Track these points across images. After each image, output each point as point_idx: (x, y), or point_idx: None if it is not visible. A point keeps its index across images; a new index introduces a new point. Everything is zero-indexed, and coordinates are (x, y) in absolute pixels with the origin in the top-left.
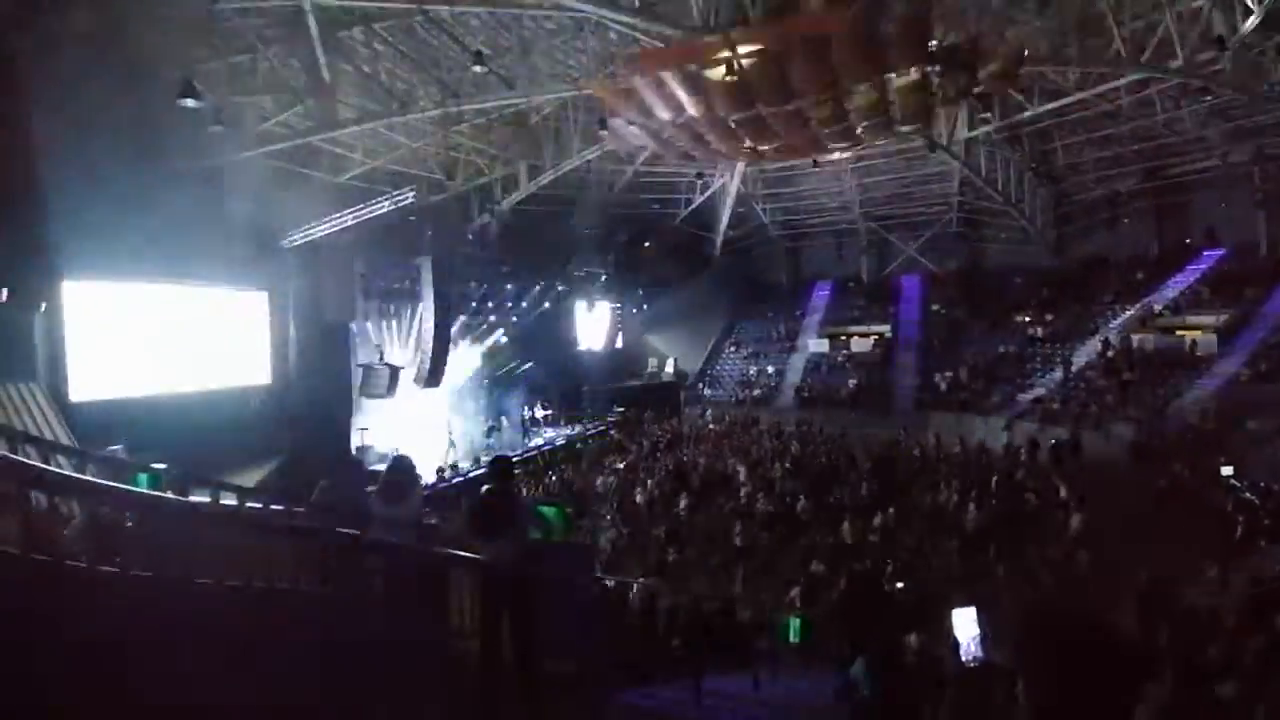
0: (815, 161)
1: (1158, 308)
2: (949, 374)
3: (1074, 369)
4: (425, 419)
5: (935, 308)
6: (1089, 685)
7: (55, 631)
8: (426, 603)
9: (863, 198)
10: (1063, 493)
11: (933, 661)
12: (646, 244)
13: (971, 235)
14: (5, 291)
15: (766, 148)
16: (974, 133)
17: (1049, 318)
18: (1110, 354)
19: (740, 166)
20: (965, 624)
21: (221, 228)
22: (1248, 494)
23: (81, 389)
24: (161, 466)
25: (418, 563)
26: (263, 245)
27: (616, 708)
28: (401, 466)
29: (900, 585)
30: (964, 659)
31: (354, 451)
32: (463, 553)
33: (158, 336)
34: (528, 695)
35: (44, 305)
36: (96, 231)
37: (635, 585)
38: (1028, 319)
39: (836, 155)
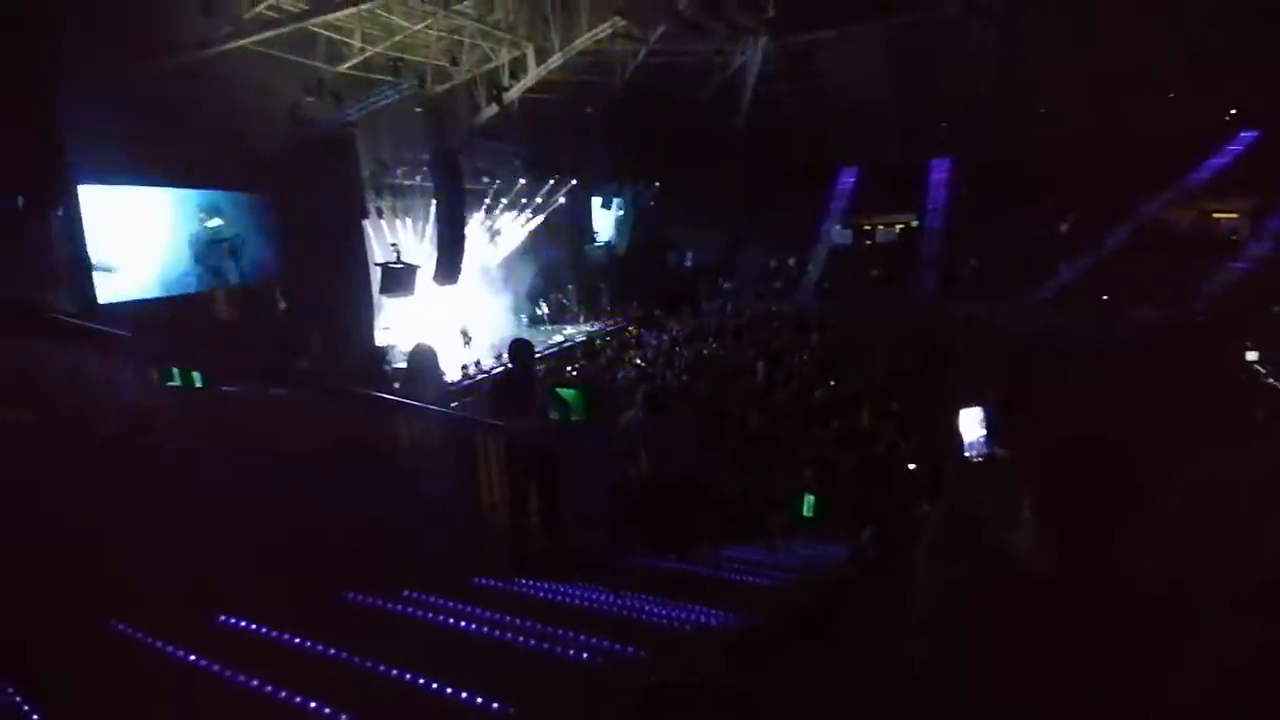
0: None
1: (1190, 190)
2: (975, 261)
3: (1104, 253)
4: (443, 317)
5: (964, 193)
6: (1099, 493)
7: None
8: (455, 470)
9: (892, 76)
10: (1078, 374)
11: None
12: (663, 131)
13: (1005, 116)
14: (20, 199)
15: None
16: None
17: (1081, 201)
18: (1141, 237)
19: (762, 42)
20: (971, 423)
21: (224, 126)
22: (1271, 379)
23: (106, 292)
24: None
25: (446, 430)
26: (267, 143)
27: (636, 569)
28: (419, 353)
29: (912, 466)
30: (967, 454)
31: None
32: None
33: (176, 239)
34: (553, 558)
35: (61, 210)
36: (102, 135)
37: (652, 464)
38: (1059, 204)
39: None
